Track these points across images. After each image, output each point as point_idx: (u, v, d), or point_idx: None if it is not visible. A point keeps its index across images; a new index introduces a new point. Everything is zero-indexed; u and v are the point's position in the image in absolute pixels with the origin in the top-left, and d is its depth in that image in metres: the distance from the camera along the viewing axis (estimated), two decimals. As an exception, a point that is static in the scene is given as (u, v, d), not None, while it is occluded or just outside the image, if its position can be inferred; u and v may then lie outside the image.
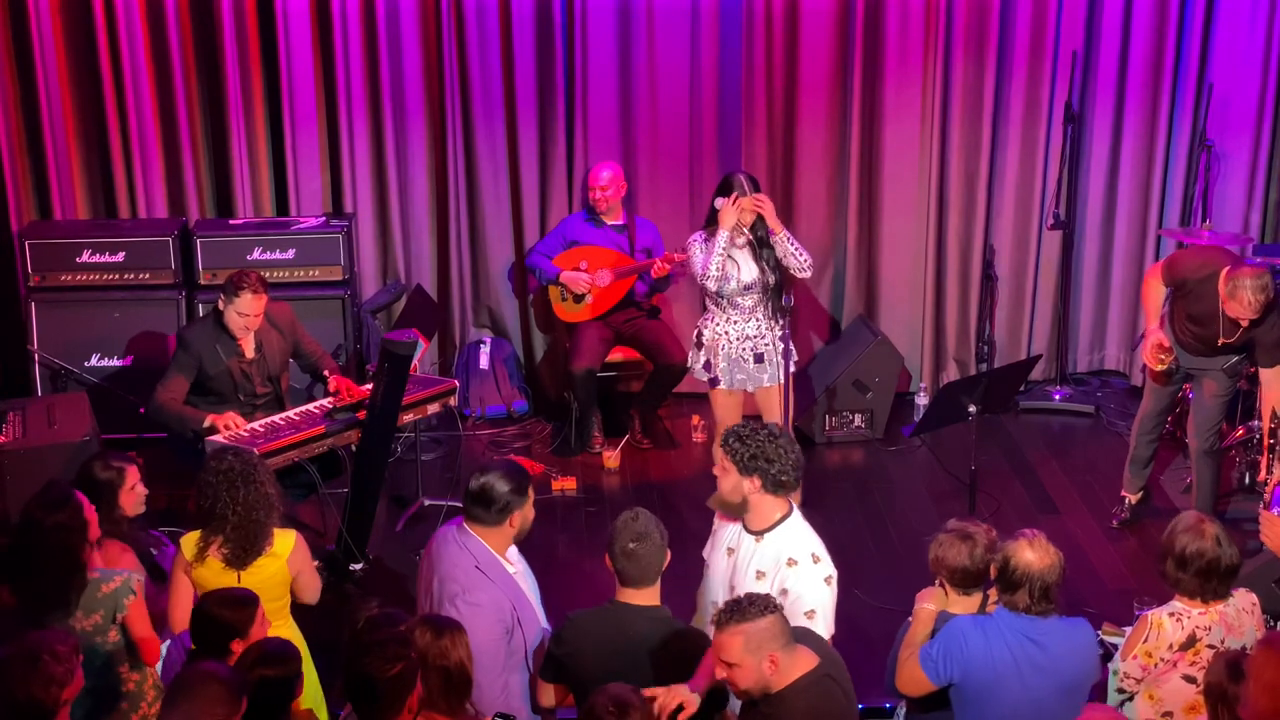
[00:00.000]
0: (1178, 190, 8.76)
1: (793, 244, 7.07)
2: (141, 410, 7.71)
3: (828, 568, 4.87)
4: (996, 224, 8.86)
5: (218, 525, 5.28)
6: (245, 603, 4.81)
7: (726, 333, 7.12)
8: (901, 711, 5.05)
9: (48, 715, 4.29)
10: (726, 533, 5.07)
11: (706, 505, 5.08)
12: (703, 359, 7.21)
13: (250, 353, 7.05)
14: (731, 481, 4.91)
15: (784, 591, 4.77)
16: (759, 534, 4.91)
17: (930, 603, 4.94)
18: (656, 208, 8.70)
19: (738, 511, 4.97)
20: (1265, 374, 6.84)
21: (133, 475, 5.59)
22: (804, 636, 4.49)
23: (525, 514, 5.19)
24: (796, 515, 4.96)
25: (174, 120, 8.45)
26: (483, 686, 4.76)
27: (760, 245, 7.02)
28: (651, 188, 8.74)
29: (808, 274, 7.19)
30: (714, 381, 7.19)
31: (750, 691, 4.32)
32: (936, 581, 4.96)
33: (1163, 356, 7.09)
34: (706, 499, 5.09)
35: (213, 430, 6.72)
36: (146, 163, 8.50)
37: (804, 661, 4.35)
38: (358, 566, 6.81)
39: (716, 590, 5.03)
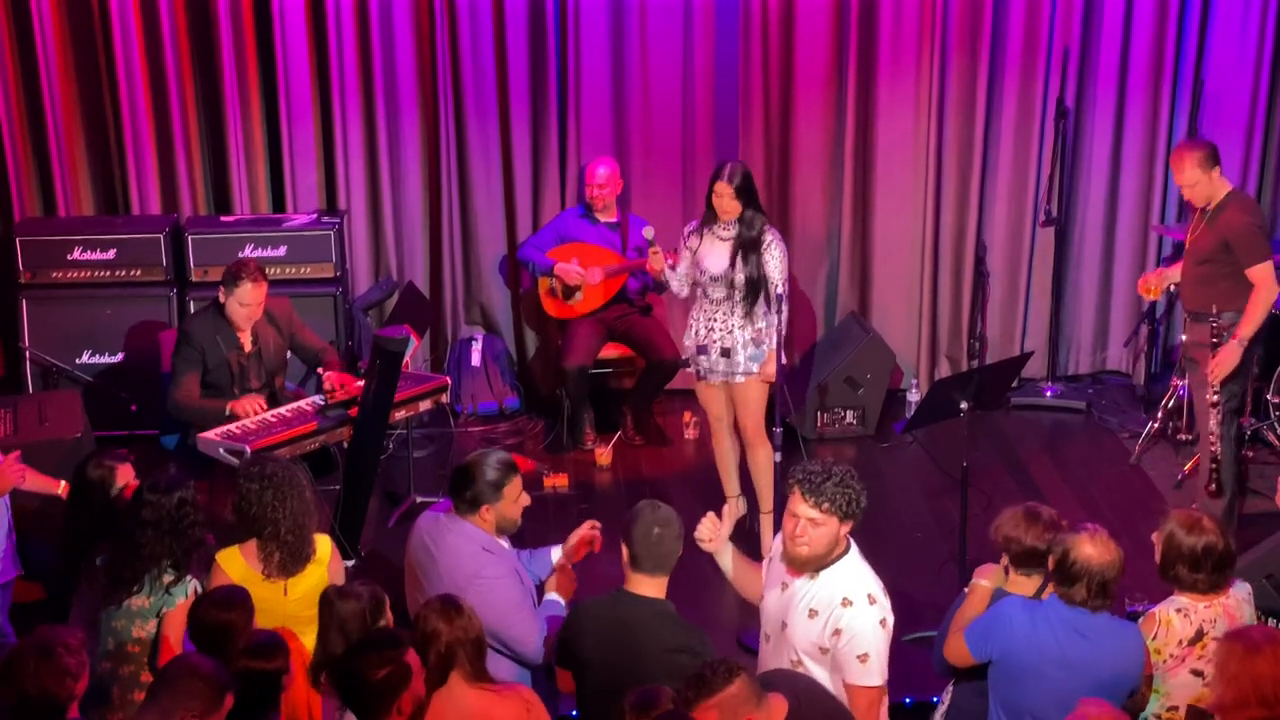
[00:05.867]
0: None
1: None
2: (134, 407, 7.69)
3: (883, 610, 4.62)
4: (990, 220, 8.85)
5: (269, 534, 5.15)
6: (239, 604, 4.77)
7: (697, 319, 6.98)
8: (946, 700, 5.06)
9: (61, 708, 4.28)
10: (781, 566, 4.82)
11: (790, 572, 4.69)
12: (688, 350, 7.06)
13: (248, 346, 7.04)
14: (830, 532, 4.58)
15: (837, 632, 4.57)
16: (816, 571, 4.66)
17: (987, 579, 4.94)
18: (649, 204, 8.69)
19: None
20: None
21: (124, 474, 5.53)
22: (776, 680, 4.38)
23: (500, 510, 5.20)
24: (854, 550, 4.71)
25: (169, 117, 8.43)
26: (525, 640, 5.06)
27: (744, 247, 6.78)
28: (644, 184, 8.73)
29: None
30: (696, 374, 7.08)
31: None
32: (1001, 560, 4.92)
33: (1153, 286, 7.07)
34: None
35: (234, 418, 6.67)
36: (142, 160, 8.49)
37: (776, 712, 4.21)
38: (349, 564, 6.79)
39: (769, 625, 4.81)
